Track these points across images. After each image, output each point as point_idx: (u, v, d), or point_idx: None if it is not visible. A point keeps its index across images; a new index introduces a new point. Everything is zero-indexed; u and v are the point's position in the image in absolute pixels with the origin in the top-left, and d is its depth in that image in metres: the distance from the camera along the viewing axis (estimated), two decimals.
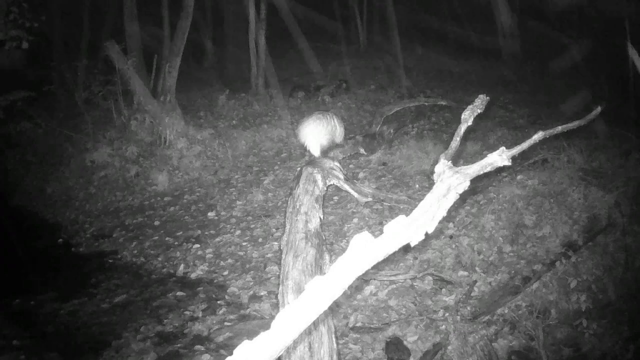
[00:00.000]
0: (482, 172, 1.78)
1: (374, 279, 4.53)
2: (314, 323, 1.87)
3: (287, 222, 4.67)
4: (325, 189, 5.41)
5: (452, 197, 1.68)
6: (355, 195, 5.78)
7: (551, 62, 9.51)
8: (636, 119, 6.39)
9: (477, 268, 4.54)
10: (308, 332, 3.17)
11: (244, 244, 5.64)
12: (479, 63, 11.30)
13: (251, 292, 4.76)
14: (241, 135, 8.44)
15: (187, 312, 4.56)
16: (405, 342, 3.84)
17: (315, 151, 5.66)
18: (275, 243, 5.43)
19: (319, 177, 5.35)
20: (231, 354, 1.27)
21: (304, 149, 7.98)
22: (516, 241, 4.77)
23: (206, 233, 5.98)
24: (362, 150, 7.30)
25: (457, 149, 2.26)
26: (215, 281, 5.07)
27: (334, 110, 9.33)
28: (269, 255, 5.33)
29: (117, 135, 8.22)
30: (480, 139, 6.95)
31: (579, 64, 8.80)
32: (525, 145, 1.91)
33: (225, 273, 5.16)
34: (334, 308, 4.09)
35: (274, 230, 5.78)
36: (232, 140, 8.27)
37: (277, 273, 4.59)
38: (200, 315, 4.52)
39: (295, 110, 9.61)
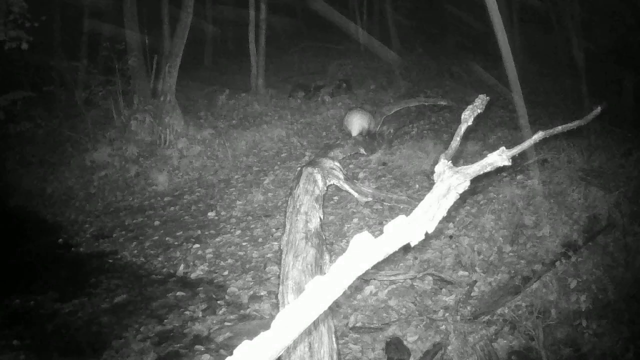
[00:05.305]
0: (482, 172, 1.78)
1: (374, 279, 4.53)
2: (314, 323, 1.87)
3: (287, 222, 4.68)
4: (325, 189, 5.42)
5: (452, 197, 1.68)
6: (355, 195, 5.79)
7: (550, 63, 9.52)
8: (632, 119, 6.40)
9: (477, 268, 4.53)
10: (308, 332, 3.17)
11: (244, 244, 5.64)
12: (479, 63, 11.32)
13: (251, 292, 4.75)
14: (241, 135, 8.44)
15: (187, 312, 4.56)
16: (405, 342, 3.83)
17: (355, 131, 7.35)
18: (275, 243, 5.43)
19: (319, 177, 5.36)
20: (231, 354, 1.26)
21: (303, 149, 8.05)
22: (516, 241, 4.77)
23: (206, 233, 5.98)
24: (362, 150, 7.31)
25: (457, 149, 2.25)
26: (215, 281, 5.07)
27: (334, 110, 9.37)
28: (269, 255, 5.32)
29: (117, 135, 8.22)
30: (480, 139, 6.95)
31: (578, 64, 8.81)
32: (525, 145, 1.90)
33: (225, 273, 5.16)
34: (334, 308, 4.09)
35: (274, 230, 5.78)
36: (232, 140, 8.27)
37: (277, 273, 4.59)
38: (200, 315, 4.52)
39: (295, 110, 9.62)
